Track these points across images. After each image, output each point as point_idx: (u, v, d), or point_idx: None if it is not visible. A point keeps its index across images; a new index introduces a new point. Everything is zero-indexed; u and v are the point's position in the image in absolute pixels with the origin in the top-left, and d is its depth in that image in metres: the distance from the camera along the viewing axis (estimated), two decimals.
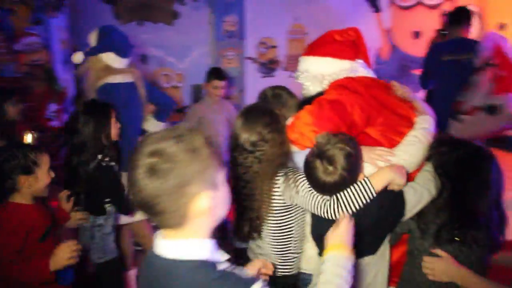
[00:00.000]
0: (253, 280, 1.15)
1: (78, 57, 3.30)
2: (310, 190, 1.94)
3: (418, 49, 6.40)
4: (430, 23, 6.32)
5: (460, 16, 4.36)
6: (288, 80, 6.71)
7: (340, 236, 1.46)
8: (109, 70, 3.28)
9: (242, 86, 6.51)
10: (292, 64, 6.80)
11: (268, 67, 6.75)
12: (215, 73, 4.24)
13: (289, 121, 2.11)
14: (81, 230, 2.75)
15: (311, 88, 2.28)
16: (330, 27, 7.14)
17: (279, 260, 2.17)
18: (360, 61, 2.27)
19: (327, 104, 2.00)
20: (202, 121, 4.15)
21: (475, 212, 1.90)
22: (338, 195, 1.84)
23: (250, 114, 2.12)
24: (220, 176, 1.19)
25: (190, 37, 6.28)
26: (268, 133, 2.05)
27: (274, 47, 6.68)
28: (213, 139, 3.94)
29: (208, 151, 1.15)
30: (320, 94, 2.18)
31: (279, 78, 6.71)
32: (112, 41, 3.28)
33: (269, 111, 2.15)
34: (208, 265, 1.14)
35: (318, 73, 2.24)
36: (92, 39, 3.30)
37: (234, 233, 2.26)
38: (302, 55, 2.36)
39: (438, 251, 1.92)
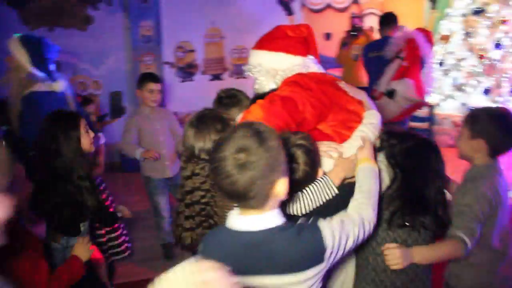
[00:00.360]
0: (315, 220, 1.46)
1: (61, 85, 3.10)
2: None
3: (330, 50, 6.75)
4: (340, 25, 6.69)
5: (388, 19, 5.05)
6: (208, 84, 6.76)
7: (366, 152, 1.88)
8: (34, 78, 3.11)
9: (162, 91, 6.41)
10: (210, 68, 6.84)
11: (187, 71, 6.71)
12: (149, 76, 3.95)
13: (239, 116, 2.11)
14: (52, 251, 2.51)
15: (264, 82, 2.29)
16: (245, 31, 7.25)
17: None
18: (311, 57, 2.32)
19: (279, 101, 2.01)
20: (142, 133, 3.84)
21: (423, 199, 2.05)
22: (304, 191, 1.91)
23: (201, 122, 2.08)
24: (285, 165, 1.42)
25: (105, 43, 6.08)
26: None
27: (192, 51, 6.67)
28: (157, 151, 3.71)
29: (280, 144, 1.37)
30: (273, 90, 2.20)
31: (198, 82, 6.73)
32: (41, 50, 3.12)
33: (218, 116, 2.13)
34: (287, 225, 1.42)
35: (271, 67, 2.25)
36: (15, 48, 3.09)
37: (183, 246, 2.23)
38: (252, 48, 2.36)
39: (386, 246, 2.04)
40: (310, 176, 1.90)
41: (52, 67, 3.20)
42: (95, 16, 6.04)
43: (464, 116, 2.35)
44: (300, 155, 1.85)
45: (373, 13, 7.60)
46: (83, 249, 2.26)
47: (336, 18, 7.14)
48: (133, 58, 6.27)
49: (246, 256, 1.37)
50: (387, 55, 4.62)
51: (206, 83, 6.74)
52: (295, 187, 1.91)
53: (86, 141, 2.47)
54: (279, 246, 1.36)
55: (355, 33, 6.38)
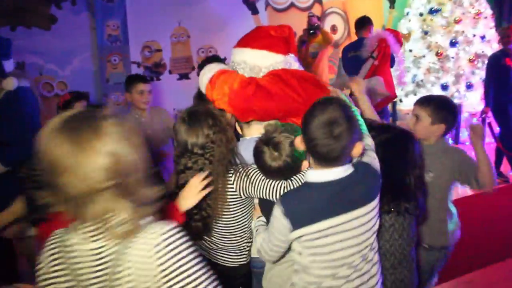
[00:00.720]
0: (360, 159, 1.80)
1: (12, 83, 3.03)
2: (263, 179, 2.06)
3: None
4: (304, 24, 6.84)
5: (363, 22, 5.64)
6: (176, 83, 6.75)
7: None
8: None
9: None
10: (178, 67, 6.83)
11: (154, 70, 6.67)
12: (138, 77, 3.75)
13: (212, 73, 2.21)
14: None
15: None
16: (212, 30, 7.23)
17: (236, 251, 2.26)
18: (292, 55, 2.43)
19: (254, 87, 2.13)
20: None
21: (404, 186, 2.18)
22: (289, 181, 2.01)
23: (192, 118, 2.14)
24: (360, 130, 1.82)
25: (71, 43, 5.95)
26: (214, 133, 2.12)
27: (159, 50, 6.64)
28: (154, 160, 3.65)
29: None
30: None
31: (166, 81, 6.71)
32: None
33: (209, 112, 2.19)
34: (357, 164, 1.78)
35: (255, 64, 2.33)
36: None
37: None
38: (235, 47, 2.44)
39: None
40: (292, 168, 2.00)
41: (7, 64, 3.13)
42: (59, 16, 5.90)
43: (419, 104, 2.61)
44: (284, 145, 1.96)
45: (335, 12, 7.82)
46: (192, 192, 2.04)
47: (300, 17, 7.28)
48: (99, 58, 6.18)
49: (334, 200, 1.68)
50: (363, 55, 5.05)
51: (174, 82, 6.73)
52: (274, 174, 2.01)
53: None
54: (359, 185, 1.73)
55: (313, 31, 6.56)
